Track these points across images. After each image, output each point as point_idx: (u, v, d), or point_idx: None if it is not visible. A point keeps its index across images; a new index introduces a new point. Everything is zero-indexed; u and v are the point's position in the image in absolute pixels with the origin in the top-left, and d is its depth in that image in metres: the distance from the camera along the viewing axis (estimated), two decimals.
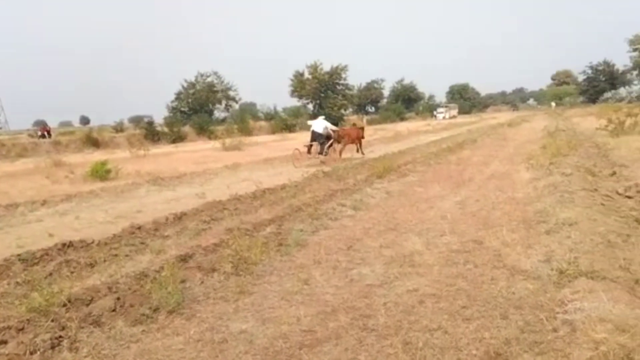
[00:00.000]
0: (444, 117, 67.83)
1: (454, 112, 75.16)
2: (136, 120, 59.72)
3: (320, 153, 16.77)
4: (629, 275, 4.28)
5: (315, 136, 16.98)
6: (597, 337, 3.08)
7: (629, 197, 7.81)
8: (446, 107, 76.00)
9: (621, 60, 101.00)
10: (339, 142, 17.46)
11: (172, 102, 57.73)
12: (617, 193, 8.16)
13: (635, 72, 54.23)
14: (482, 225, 6.68)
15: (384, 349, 3.43)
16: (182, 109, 57.20)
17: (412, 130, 38.30)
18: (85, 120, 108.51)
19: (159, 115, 53.17)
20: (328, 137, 17.09)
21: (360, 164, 14.80)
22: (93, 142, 37.50)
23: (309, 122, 18.02)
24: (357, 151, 18.26)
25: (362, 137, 18.86)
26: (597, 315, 3.36)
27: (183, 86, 57.79)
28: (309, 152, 17.00)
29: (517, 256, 5.19)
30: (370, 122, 57.93)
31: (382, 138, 30.70)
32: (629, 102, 50.76)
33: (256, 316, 4.14)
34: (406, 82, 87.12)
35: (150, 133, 41.40)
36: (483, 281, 4.60)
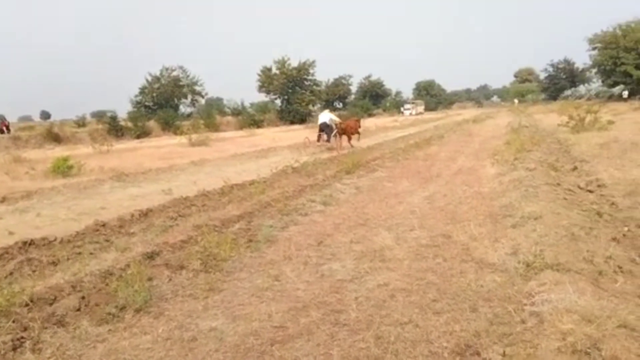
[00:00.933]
0: (410, 114, 68.28)
1: (421, 108, 75.85)
2: (99, 115, 57.94)
3: (327, 140, 19.22)
4: (593, 267, 4.40)
5: (322, 127, 19.30)
6: (564, 328, 3.15)
7: (590, 192, 8.05)
8: (413, 103, 76.57)
9: (581, 59, 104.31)
10: (341, 133, 19.11)
11: (136, 96, 56.31)
12: (579, 187, 8.40)
13: (594, 71, 55.74)
14: (450, 220, 6.77)
15: (356, 344, 3.43)
16: (147, 103, 55.88)
17: (379, 126, 38.52)
18: (46, 115, 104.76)
19: (123, 110, 51.81)
20: (329, 126, 19.25)
21: (329, 160, 14.81)
22: (54, 137, 36.23)
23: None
24: (349, 141, 19.67)
25: (352, 126, 20.29)
26: (564, 307, 3.44)
27: (147, 80, 56.48)
28: (318, 140, 19.58)
29: (485, 250, 5.28)
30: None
31: None
32: (588, 99, 52.39)
33: (226, 313, 4.09)
34: (373, 78, 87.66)
35: (114, 128, 40.36)
36: (452, 275, 4.65)
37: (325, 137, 19.13)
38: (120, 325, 3.91)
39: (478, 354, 3.17)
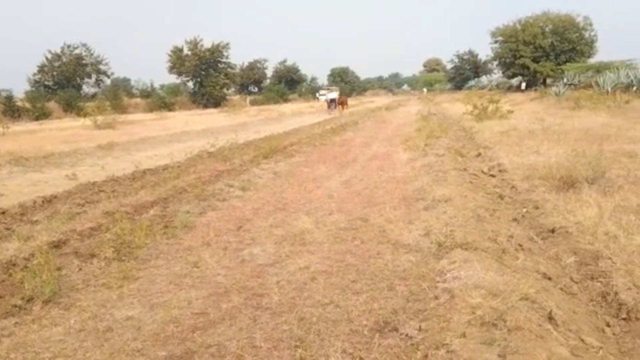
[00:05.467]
0: (326, 100, 68.93)
1: (336, 94, 76.64)
2: None
3: (334, 108, 36.02)
4: (497, 245, 4.74)
5: (331, 101, 37.79)
6: (473, 302, 3.37)
7: (493, 176, 8.64)
8: (328, 89, 77.04)
9: (484, 51, 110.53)
10: (340, 104, 36.32)
11: (35, 75, 52.00)
12: (483, 172, 8.98)
13: (495, 62, 59.27)
14: (367, 203, 6.97)
15: (279, 326, 3.46)
16: (47, 82, 51.79)
17: (295, 112, 38.81)
18: None
19: (19, 89, 47.32)
20: (335, 100, 37.50)
21: (245, 145, 14.63)
22: None
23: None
24: (342, 109, 35.40)
25: (346, 101, 38.28)
26: (472, 283, 3.68)
27: (47, 58, 52.24)
28: (328, 107, 37.10)
29: (400, 231, 5.50)
30: (253, 103, 57.37)
31: (266, 119, 30.71)
32: (490, 89, 55.63)
33: (143, 302, 3.95)
34: (289, 63, 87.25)
35: (10, 109, 37.00)
36: (370, 256, 4.81)
37: (333, 106, 36.45)
38: (27, 317, 3.65)
39: (396, 329, 3.31)
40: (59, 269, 4.45)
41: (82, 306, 3.86)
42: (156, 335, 3.38)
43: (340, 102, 36.63)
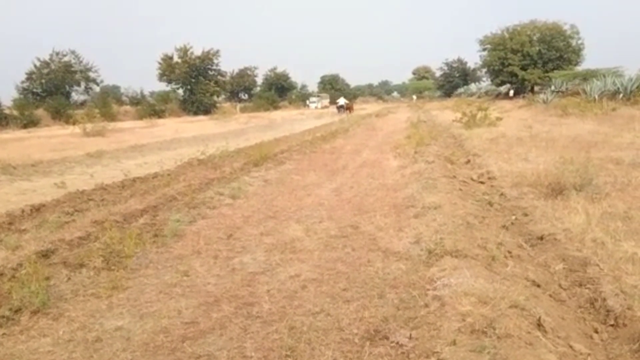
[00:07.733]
0: (316, 107, 69.07)
1: (326, 102, 76.88)
2: None
3: (343, 112, 42.45)
4: (486, 252, 4.77)
5: (340, 106, 44.69)
6: (463, 309, 3.39)
7: (482, 183, 8.71)
8: (318, 96, 77.37)
9: (473, 59, 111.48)
10: (347, 109, 43.85)
11: (23, 82, 51.52)
12: (472, 179, 9.04)
13: (484, 70, 59.76)
14: (357, 211, 6.99)
15: (270, 335, 3.45)
16: (35, 90, 51.42)
17: (286, 119, 38.85)
18: None
19: (7, 96, 46.74)
20: (343, 106, 44.67)
21: (236, 152, 14.59)
22: None
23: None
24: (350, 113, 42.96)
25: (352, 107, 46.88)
26: (462, 290, 3.70)
27: (35, 65, 51.75)
28: (339, 112, 43.55)
29: (390, 239, 5.52)
30: (243, 110, 57.35)
31: (256, 126, 30.67)
32: (479, 96, 56.06)
33: (133, 312, 3.92)
34: (279, 70, 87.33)
35: None
36: (361, 264, 4.82)
37: (342, 111, 43.19)
38: (16, 328, 3.62)
39: (387, 338, 3.32)
40: (47, 278, 4.40)
41: (71, 316, 3.83)
42: (146, 346, 3.36)
43: (348, 107, 45.05)
